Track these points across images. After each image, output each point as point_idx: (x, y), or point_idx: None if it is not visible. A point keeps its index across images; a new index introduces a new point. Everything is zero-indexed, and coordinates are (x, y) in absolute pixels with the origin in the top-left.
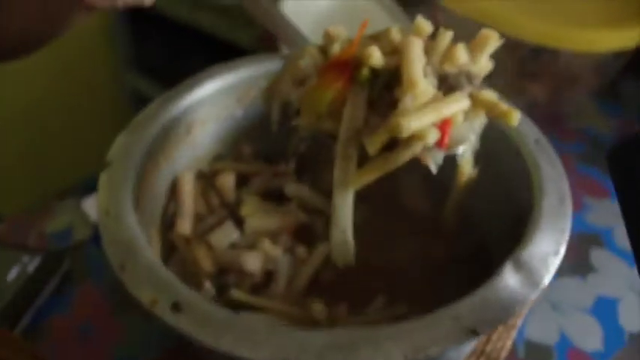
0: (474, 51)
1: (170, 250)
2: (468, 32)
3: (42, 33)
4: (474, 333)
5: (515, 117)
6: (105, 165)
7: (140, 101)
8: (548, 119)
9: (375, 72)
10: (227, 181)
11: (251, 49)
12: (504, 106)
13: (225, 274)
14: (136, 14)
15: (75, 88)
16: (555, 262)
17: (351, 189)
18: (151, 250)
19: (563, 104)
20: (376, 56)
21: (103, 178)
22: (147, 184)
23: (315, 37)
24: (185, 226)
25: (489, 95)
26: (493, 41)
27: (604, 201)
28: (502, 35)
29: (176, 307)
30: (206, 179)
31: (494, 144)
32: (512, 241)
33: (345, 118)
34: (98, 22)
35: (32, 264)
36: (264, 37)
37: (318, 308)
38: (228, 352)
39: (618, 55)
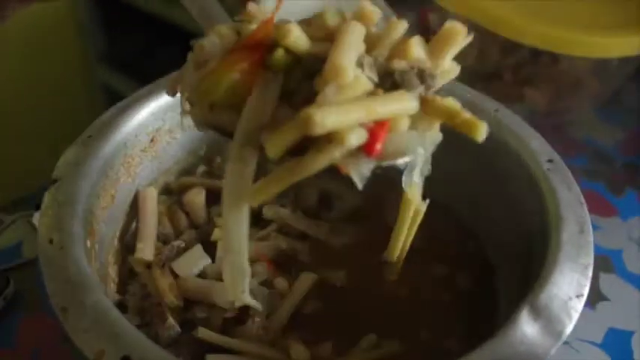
0: (435, 48)
1: (130, 277)
2: None
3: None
4: None
5: (481, 130)
6: (50, 183)
7: (112, 97)
8: (547, 128)
9: (295, 57)
10: (196, 199)
11: None
12: (467, 114)
13: (193, 308)
14: (107, 6)
15: (42, 84)
16: (578, 307)
17: (245, 203)
18: (99, 289)
19: (563, 112)
20: (296, 35)
21: (48, 199)
22: (103, 204)
23: None
24: (146, 250)
25: (448, 101)
26: (460, 38)
27: (612, 220)
28: (500, 37)
29: None
30: (173, 196)
31: (502, 163)
32: (521, 274)
33: (246, 110)
34: (68, 14)
35: None
36: None
37: (298, 350)
38: None
39: (623, 62)
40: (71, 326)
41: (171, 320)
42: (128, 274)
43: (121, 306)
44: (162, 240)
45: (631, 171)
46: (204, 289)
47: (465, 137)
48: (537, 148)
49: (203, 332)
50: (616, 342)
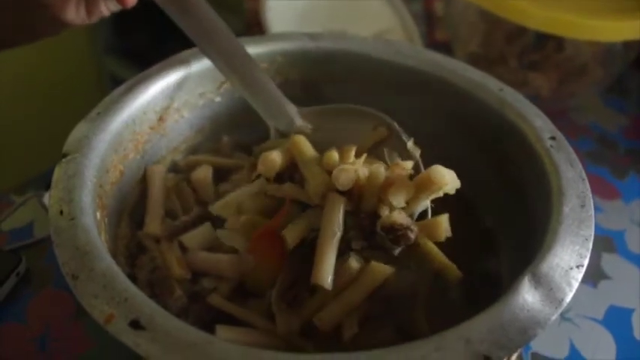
0: (418, 190)
1: (139, 251)
2: (467, 22)
3: (15, 41)
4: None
5: (456, 274)
6: (60, 157)
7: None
8: (551, 113)
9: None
10: (204, 176)
11: (236, 34)
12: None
13: (200, 280)
14: None
15: (52, 74)
16: (578, 276)
17: None
18: (109, 257)
19: (567, 98)
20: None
21: (58, 173)
22: (112, 179)
23: (304, 26)
24: (154, 224)
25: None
26: (443, 185)
27: (615, 202)
28: (505, 23)
29: (136, 324)
30: (181, 173)
31: (506, 140)
32: (523, 246)
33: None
34: None
35: None
36: (251, 22)
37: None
38: None
39: (627, 47)
40: (81, 292)
41: (179, 291)
42: (137, 248)
43: (131, 279)
44: (171, 216)
45: (634, 155)
46: (212, 261)
47: (470, 119)
48: (540, 125)
49: (213, 299)
50: (616, 319)
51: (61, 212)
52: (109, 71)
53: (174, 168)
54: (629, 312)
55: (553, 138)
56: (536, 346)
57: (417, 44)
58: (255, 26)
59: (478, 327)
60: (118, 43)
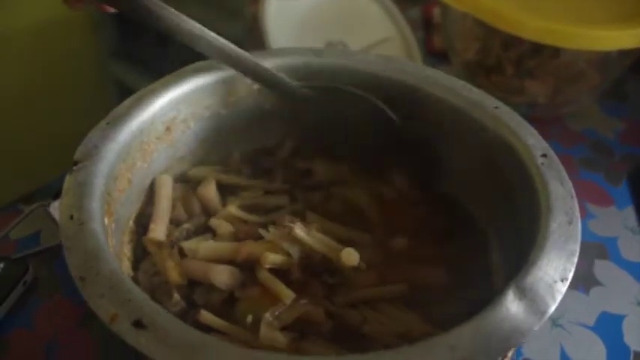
0: None
1: (143, 256)
2: (464, 28)
3: None
4: None
5: None
6: (72, 165)
7: (124, 92)
8: (548, 120)
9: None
10: (208, 190)
11: (239, 41)
12: None
13: (195, 287)
14: None
15: (56, 79)
16: (562, 289)
17: None
18: (115, 261)
19: (564, 104)
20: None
21: (70, 180)
22: (120, 187)
23: (303, 33)
24: (159, 231)
25: None
26: None
27: (608, 209)
28: (501, 31)
29: (138, 324)
30: (188, 184)
31: (500, 157)
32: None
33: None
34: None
35: None
36: (252, 27)
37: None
38: None
39: (623, 54)
40: (88, 293)
41: (177, 297)
42: (142, 252)
43: (134, 282)
44: (175, 223)
45: (629, 161)
46: (202, 269)
47: (468, 135)
48: (533, 143)
49: (203, 316)
50: (607, 325)
51: (71, 217)
52: (113, 76)
53: (182, 178)
54: (620, 318)
55: (544, 155)
56: (528, 352)
57: (415, 53)
58: (256, 31)
59: (463, 335)
60: (122, 47)
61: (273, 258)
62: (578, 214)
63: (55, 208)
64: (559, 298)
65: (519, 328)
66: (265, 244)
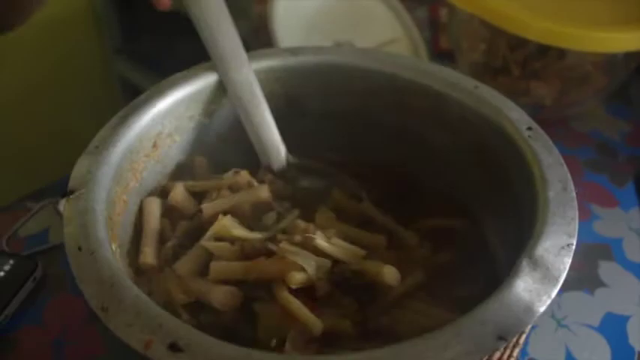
0: None
1: (136, 276)
2: (470, 29)
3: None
4: (501, 339)
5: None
6: (67, 194)
7: (129, 90)
8: (553, 121)
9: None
10: (179, 194)
11: (245, 41)
12: None
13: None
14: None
15: (61, 78)
16: (570, 254)
17: None
18: (135, 286)
19: (570, 106)
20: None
21: (68, 210)
22: (118, 210)
23: (311, 33)
24: (149, 254)
25: None
26: None
27: (613, 211)
28: (508, 32)
29: (174, 347)
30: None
31: (486, 135)
32: (512, 232)
33: None
34: (86, 7)
35: (3, 269)
36: (259, 26)
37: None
38: None
39: (629, 56)
40: (114, 323)
41: (185, 316)
42: (136, 273)
43: None
44: (164, 240)
45: (635, 163)
46: (202, 290)
47: (449, 115)
48: (517, 117)
49: None
50: (612, 326)
51: (80, 248)
52: (118, 74)
53: (162, 193)
54: (624, 319)
55: (530, 128)
56: (533, 352)
57: (423, 54)
58: (262, 31)
59: (490, 310)
60: (127, 45)
61: (299, 278)
62: (570, 179)
63: (63, 207)
64: (568, 262)
65: (539, 296)
66: (279, 261)
